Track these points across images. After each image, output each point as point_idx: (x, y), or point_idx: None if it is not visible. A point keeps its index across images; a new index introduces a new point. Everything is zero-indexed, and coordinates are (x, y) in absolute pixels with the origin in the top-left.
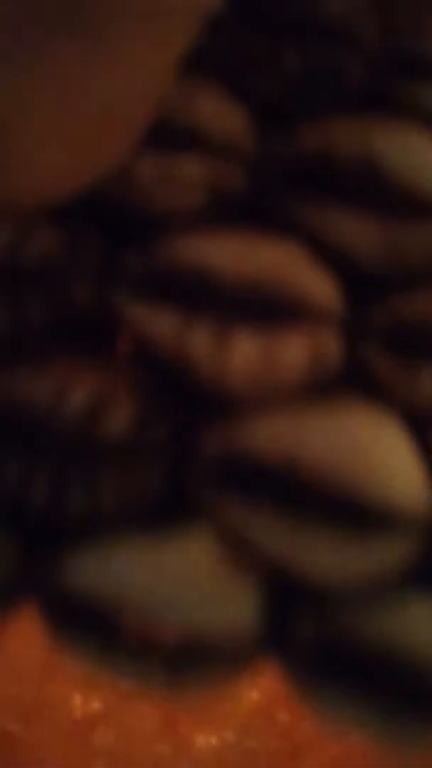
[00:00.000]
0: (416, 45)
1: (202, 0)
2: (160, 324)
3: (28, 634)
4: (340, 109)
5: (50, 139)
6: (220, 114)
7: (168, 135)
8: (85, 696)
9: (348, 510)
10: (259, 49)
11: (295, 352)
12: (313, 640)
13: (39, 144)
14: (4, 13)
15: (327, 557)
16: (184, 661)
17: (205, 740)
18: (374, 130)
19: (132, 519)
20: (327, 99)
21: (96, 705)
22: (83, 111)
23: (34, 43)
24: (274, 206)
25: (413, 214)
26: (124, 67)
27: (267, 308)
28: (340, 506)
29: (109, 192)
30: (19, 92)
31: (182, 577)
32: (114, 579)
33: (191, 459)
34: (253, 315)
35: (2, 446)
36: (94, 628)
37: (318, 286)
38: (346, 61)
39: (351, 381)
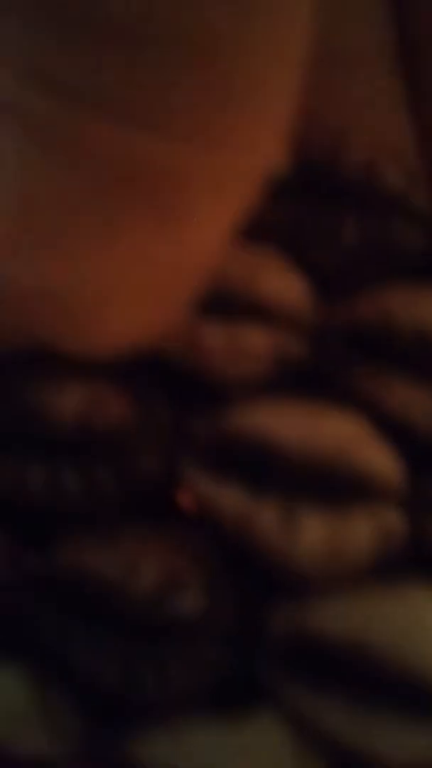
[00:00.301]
0: None
1: (266, 164)
2: (226, 498)
3: None
4: (397, 280)
5: (115, 300)
6: (283, 286)
7: (234, 306)
8: None
9: (415, 695)
10: (319, 221)
11: (361, 533)
12: None
13: (105, 304)
14: (76, 189)
15: (395, 741)
16: None
17: None
18: (430, 301)
19: (200, 700)
20: (384, 269)
21: None
22: (148, 274)
23: (104, 217)
24: (335, 375)
25: None
26: (189, 233)
27: (332, 486)
28: (408, 691)
29: (176, 361)
30: (88, 258)
31: (252, 758)
32: (185, 762)
33: (258, 639)
34: (319, 492)
35: (71, 622)
36: None
37: (381, 462)
38: (403, 233)
39: (414, 555)
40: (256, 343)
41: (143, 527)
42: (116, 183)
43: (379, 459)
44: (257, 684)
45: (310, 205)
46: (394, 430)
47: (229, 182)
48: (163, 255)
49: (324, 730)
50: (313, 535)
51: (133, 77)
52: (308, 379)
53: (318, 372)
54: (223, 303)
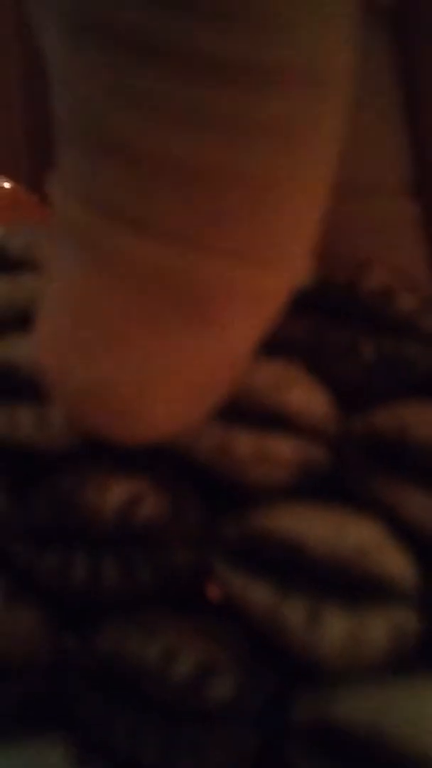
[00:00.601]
0: None
1: (294, 280)
2: (255, 593)
3: None
4: (410, 395)
5: (157, 394)
6: (308, 397)
7: (263, 415)
8: None
9: None
10: (340, 339)
11: (378, 631)
12: None
13: (147, 397)
14: (125, 300)
15: None
16: None
17: None
18: None
19: None
20: (398, 385)
21: None
22: (187, 374)
23: (150, 324)
24: (354, 482)
25: None
26: (224, 340)
27: (353, 586)
28: None
29: (208, 463)
30: (134, 357)
31: None
32: None
33: (285, 723)
34: (341, 592)
35: (112, 704)
36: None
37: (398, 565)
38: (414, 353)
39: (427, 651)
40: (283, 451)
41: (178, 617)
42: (161, 296)
43: (396, 562)
44: (284, 765)
45: (332, 324)
46: (410, 536)
47: (263, 296)
48: (199, 357)
49: None
50: (336, 631)
51: (185, 205)
52: (330, 486)
53: (339, 479)
54: (253, 411)
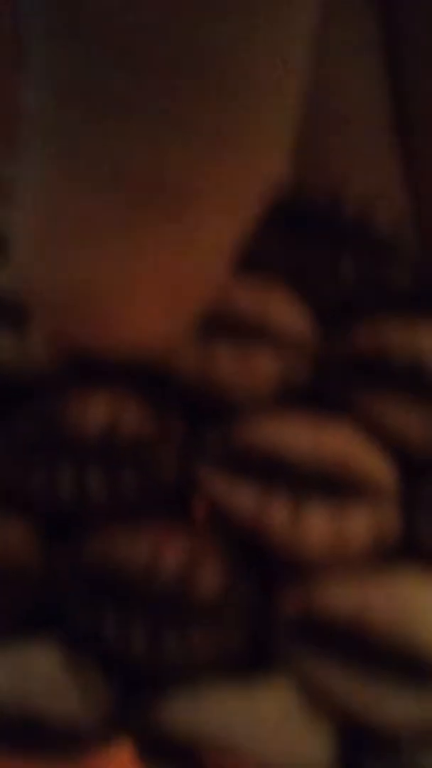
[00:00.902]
0: None
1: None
2: (239, 496)
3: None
4: (390, 313)
5: (136, 299)
6: (289, 313)
7: (243, 329)
8: None
9: (407, 665)
10: (319, 258)
11: (361, 525)
12: None
13: (125, 303)
14: (100, 202)
15: (391, 705)
16: None
17: None
18: (422, 332)
19: (220, 669)
20: (377, 304)
21: None
22: (165, 276)
23: (124, 224)
24: (334, 396)
25: None
26: (198, 242)
27: (335, 486)
28: (401, 662)
29: (190, 380)
30: (110, 259)
31: (268, 719)
32: (207, 720)
33: (272, 618)
34: (323, 491)
35: (102, 602)
36: (185, 766)
37: (378, 466)
38: (393, 272)
39: (408, 551)
40: (265, 364)
41: (164, 522)
42: (132, 193)
43: (376, 464)
44: (272, 656)
45: (311, 243)
46: (390, 446)
47: (237, 191)
48: (175, 257)
49: (331, 695)
50: (319, 528)
51: (158, 90)
52: (311, 401)
53: (320, 395)
54: (233, 326)
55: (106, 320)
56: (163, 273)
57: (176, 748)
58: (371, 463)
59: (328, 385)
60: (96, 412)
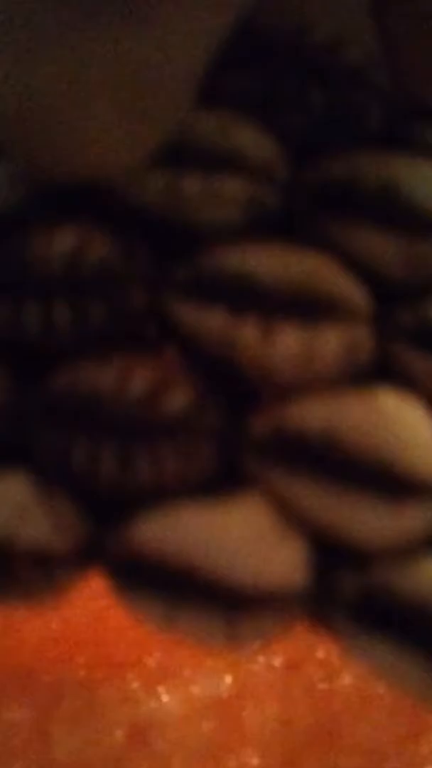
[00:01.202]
0: (426, 93)
1: None
2: (208, 321)
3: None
4: (362, 146)
5: (97, 114)
6: (255, 140)
7: (209, 156)
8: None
9: (381, 479)
10: (286, 88)
11: (332, 344)
12: (353, 593)
13: (87, 118)
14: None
15: (364, 520)
16: (241, 614)
17: None
18: (394, 161)
19: (193, 489)
20: (349, 137)
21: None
22: (128, 89)
23: (85, 26)
24: (304, 224)
25: (429, 231)
26: (168, 51)
27: (306, 307)
28: (375, 476)
29: (156, 208)
30: (67, 61)
31: (240, 536)
32: (179, 538)
33: (242, 437)
34: (294, 313)
35: (71, 430)
36: (161, 586)
37: (349, 288)
38: (366, 104)
39: (381, 375)
40: (232, 189)
41: (132, 349)
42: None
43: (348, 286)
44: (243, 475)
45: (280, 75)
46: (361, 271)
47: (201, 21)
48: (138, 64)
49: (305, 512)
50: (288, 346)
51: None
52: (279, 228)
53: (288, 222)
54: (199, 154)
55: (67, 139)
56: (121, 88)
57: (153, 570)
58: (342, 284)
59: (298, 214)
60: (61, 243)
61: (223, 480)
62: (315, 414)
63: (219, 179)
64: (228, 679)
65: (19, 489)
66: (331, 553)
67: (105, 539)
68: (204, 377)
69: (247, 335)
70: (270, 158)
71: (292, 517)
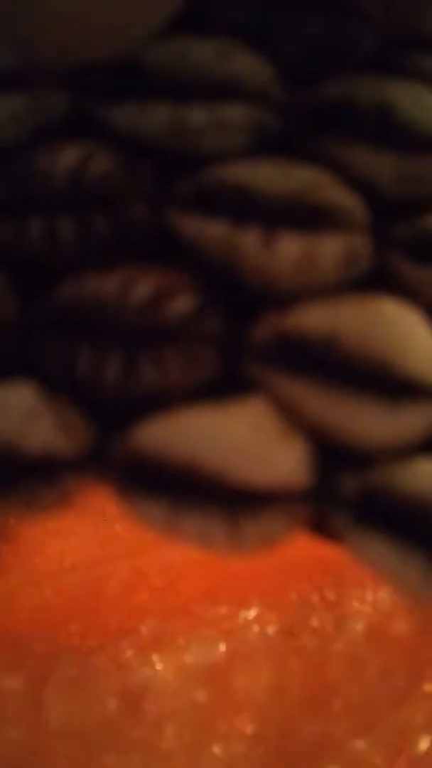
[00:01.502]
0: (417, 23)
1: None
2: (209, 231)
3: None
4: (356, 71)
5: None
6: (252, 65)
7: (211, 85)
8: None
9: (381, 381)
10: (282, 19)
11: (331, 251)
12: (354, 493)
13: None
14: None
15: (364, 421)
16: (243, 515)
17: None
18: (388, 83)
19: (195, 394)
20: (344, 64)
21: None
22: None
23: None
24: (301, 145)
25: (423, 150)
26: None
27: (306, 216)
28: (375, 378)
29: (161, 139)
30: None
31: (243, 436)
32: (182, 439)
33: (244, 344)
34: (294, 222)
35: (75, 339)
36: (164, 489)
37: (348, 199)
38: (360, 33)
39: (379, 284)
40: (234, 116)
41: (135, 258)
42: None
43: (346, 196)
44: (246, 380)
45: (276, 3)
46: (361, 189)
47: None
48: None
49: (306, 414)
50: (290, 251)
51: None
52: (279, 150)
53: (288, 143)
54: (203, 84)
55: (55, 18)
56: None
57: (157, 473)
58: (340, 194)
59: (296, 135)
60: (66, 159)
61: (226, 386)
62: (316, 319)
63: (221, 108)
64: (222, 646)
65: (24, 396)
66: (332, 455)
67: (109, 444)
68: (206, 286)
69: (248, 244)
70: (269, 82)
71: (294, 419)
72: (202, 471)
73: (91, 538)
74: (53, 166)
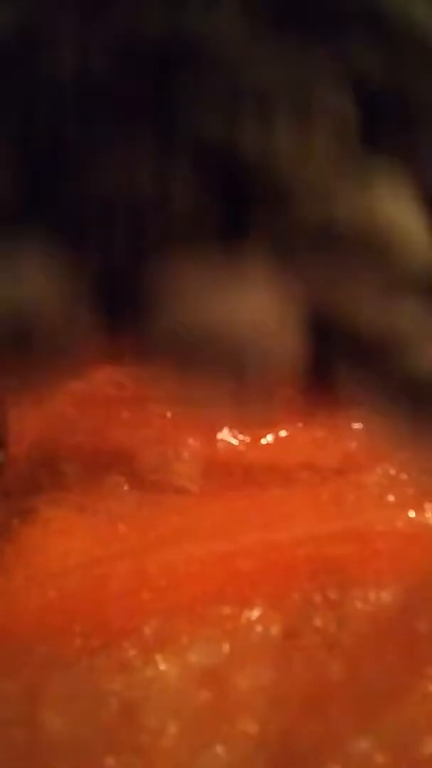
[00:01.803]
0: None
1: None
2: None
3: None
4: None
5: None
6: None
7: None
8: None
9: (377, 268)
10: None
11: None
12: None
13: None
14: None
15: (360, 306)
16: (248, 383)
17: None
18: None
19: (200, 240)
20: None
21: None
22: None
23: None
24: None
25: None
26: None
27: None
28: (371, 265)
29: None
30: None
31: (242, 304)
32: (194, 317)
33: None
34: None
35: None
36: (175, 359)
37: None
38: None
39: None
40: None
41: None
42: None
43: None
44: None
45: None
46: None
47: None
48: None
49: (306, 290)
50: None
51: None
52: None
53: None
54: None
55: None
56: None
57: (164, 343)
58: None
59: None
60: None
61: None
62: (315, 205)
63: None
64: (225, 646)
65: (39, 265)
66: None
67: (126, 312)
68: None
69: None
70: None
71: (295, 300)
72: (211, 344)
73: (93, 538)
74: None
